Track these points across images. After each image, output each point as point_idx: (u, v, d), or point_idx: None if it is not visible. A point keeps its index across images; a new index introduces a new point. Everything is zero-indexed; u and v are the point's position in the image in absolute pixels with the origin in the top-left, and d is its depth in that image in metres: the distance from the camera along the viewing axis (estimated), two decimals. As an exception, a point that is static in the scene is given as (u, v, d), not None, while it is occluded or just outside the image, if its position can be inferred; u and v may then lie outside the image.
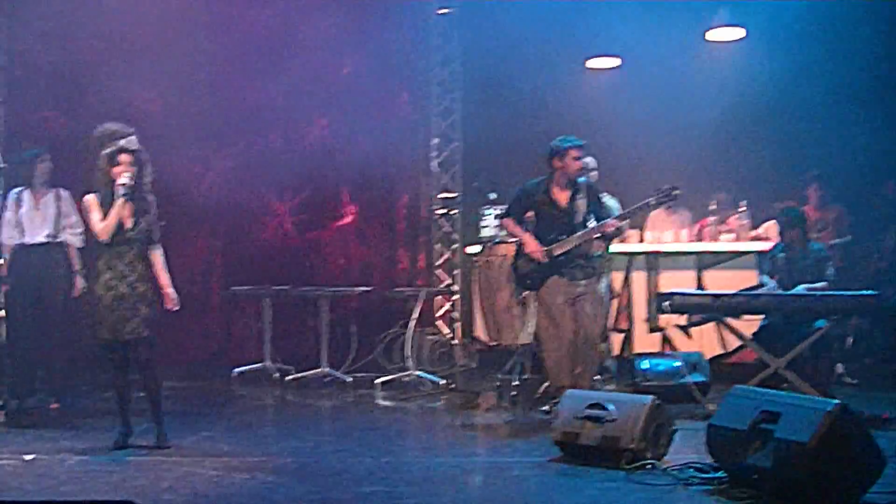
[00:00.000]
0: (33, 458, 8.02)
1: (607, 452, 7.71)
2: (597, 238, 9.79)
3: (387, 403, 11.22)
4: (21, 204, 10.35)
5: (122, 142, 8.40)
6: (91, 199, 8.44)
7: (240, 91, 14.68)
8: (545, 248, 9.69)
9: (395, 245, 14.78)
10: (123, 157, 8.37)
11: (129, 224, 8.38)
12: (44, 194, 10.41)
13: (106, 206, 8.35)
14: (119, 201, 8.29)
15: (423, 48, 14.86)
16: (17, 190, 10.42)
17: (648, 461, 7.59)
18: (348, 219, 14.78)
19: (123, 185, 8.29)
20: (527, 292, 10.32)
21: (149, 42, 14.20)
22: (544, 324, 9.79)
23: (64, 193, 10.50)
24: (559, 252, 9.66)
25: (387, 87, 14.63)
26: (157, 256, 8.60)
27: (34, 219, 10.32)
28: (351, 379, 12.39)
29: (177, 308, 8.63)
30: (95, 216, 8.38)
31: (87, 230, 10.39)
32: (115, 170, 8.35)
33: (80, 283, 10.40)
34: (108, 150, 8.39)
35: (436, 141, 14.76)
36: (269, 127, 14.67)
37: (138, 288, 8.38)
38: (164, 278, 8.61)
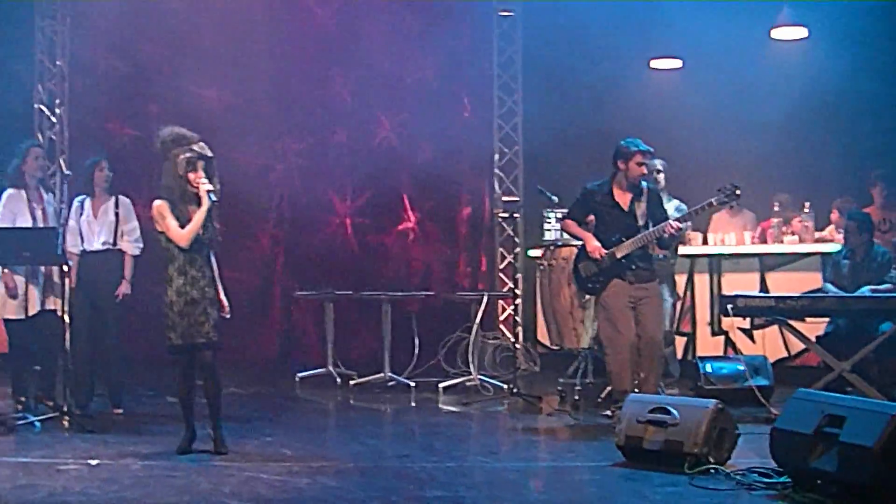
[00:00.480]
0: (97, 464, 8.07)
1: (670, 457, 7.67)
2: (658, 240, 9.74)
3: (449, 408, 11.21)
4: (82, 211, 10.42)
5: (197, 147, 8.38)
6: (163, 206, 8.38)
7: (303, 93, 14.80)
8: (606, 252, 9.65)
9: (456, 249, 14.79)
10: (200, 163, 8.41)
11: (201, 230, 8.39)
12: (104, 202, 10.45)
13: (176, 212, 8.35)
14: (204, 209, 8.29)
15: (486, 50, 14.88)
16: (80, 198, 10.49)
17: (711, 465, 7.54)
18: (410, 222, 14.80)
19: (211, 191, 8.30)
20: (589, 296, 10.30)
21: (212, 45, 14.36)
22: (606, 328, 9.76)
23: (124, 200, 10.54)
24: (620, 255, 9.62)
25: (449, 90, 14.67)
26: (214, 263, 8.65)
27: (93, 226, 10.38)
28: (413, 383, 12.40)
29: (228, 316, 8.68)
30: (172, 222, 8.33)
31: (145, 236, 10.55)
32: (193, 176, 8.35)
33: (125, 288, 10.42)
34: (186, 156, 8.32)
35: (498, 144, 14.77)
36: (332, 130, 14.72)
37: (209, 292, 8.40)
38: (219, 285, 8.65)
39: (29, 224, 10.29)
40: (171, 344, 8.37)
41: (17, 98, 14.27)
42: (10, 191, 10.42)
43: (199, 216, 8.29)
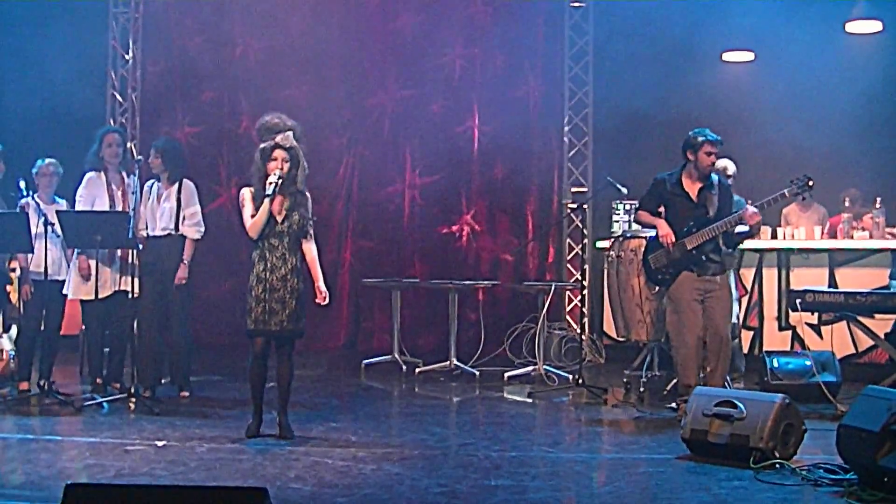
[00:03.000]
0: (164, 445, 8.16)
1: (736, 451, 7.62)
2: (723, 234, 9.66)
3: (514, 397, 11.20)
4: (150, 196, 10.50)
5: (279, 137, 8.43)
6: (246, 194, 8.49)
7: (371, 85, 14.81)
8: (677, 241, 9.57)
9: (524, 239, 14.74)
10: (278, 153, 8.42)
11: (280, 218, 8.43)
12: (169, 186, 10.53)
13: (258, 201, 8.41)
14: (268, 201, 8.34)
15: (557, 42, 14.82)
16: (150, 182, 10.59)
17: (777, 461, 7.49)
18: (479, 213, 14.78)
19: (271, 183, 8.33)
20: (657, 287, 10.24)
21: (285, 34, 14.44)
22: (673, 320, 9.70)
23: (188, 185, 10.59)
24: (691, 246, 9.53)
25: (520, 82, 14.63)
26: (310, 251, 8.62)
27: (155, 211, 10.45)
28: (478, 372, 12.41)
29: (326, 303, 8.69)
30: (247, 211, 8.43)
31: (209, 221, 10.64)
32: (269, 165, 8.42)
33: (182, 272, 10.47)
34: (264, 146, 8.44)
35: (568, 135, 14.71)
36: (401, 121, 14.74)
37: (289, 282, 8.41)
38: (316, 273, 8.62)
39: (107, 207, 10.40)
40: (246, 328, 8.45)
41: (90, 84, 14.41)
42: (90, 174, 10.59)
43: (263, 208, 8.34)
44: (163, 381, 10.72)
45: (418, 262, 14.58)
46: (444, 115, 14.69)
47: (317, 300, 8.58)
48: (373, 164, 14.76)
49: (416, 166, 14.75)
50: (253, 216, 8.39)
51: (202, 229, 10.56)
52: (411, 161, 14.77)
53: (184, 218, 10.47)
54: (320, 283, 8.60)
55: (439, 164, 14.54)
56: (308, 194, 8.64)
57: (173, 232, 10.42)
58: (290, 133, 8.46)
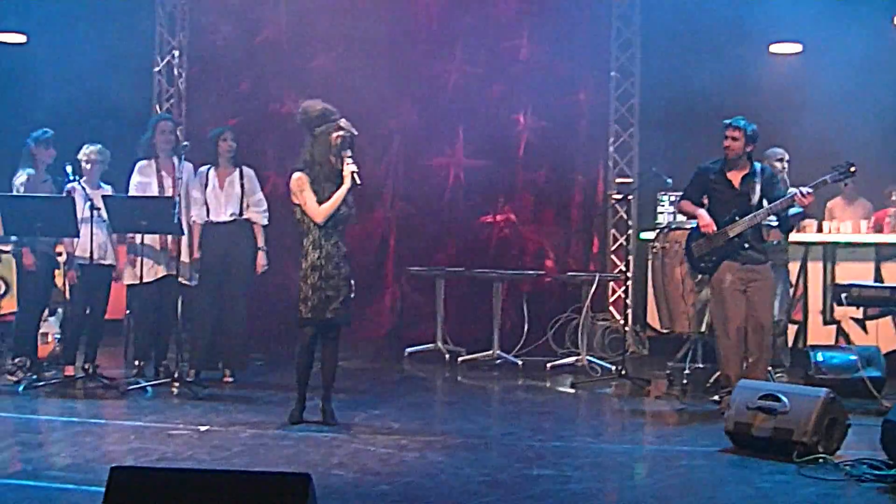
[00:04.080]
0: (207, 430, 8.21)
1: (779, 445, 7.59)
2: (778, 219, 9.60)
3: (557, 388, 11.19)
4: (206, 182, 10.55)
5: (344, 124, 8.41)
6: (303, 179, 8.44)
7: (418, 72, 14.79)
8: (718, 230, 9.50)
9: (569, 230, 14.71)
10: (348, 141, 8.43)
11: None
12: (229, 173, 10.59)
13: (315, 186, 8.39)
14: (345, 188, 8.35)
15: (603, 32, 14.75)
16: (203, 168, 10.64)
17: (820, 455, 7.45)
18: (524, 203, 14.75)
19: (356, 173, 8.35)
20: (700, 276, 10.19)
21: (331, 21, 14.44)
22: (716, 310, 9.65)
23: (248, 172, 10.66)
24: (733, 234, 9.46)
25: (566, 71, 14.56)
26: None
27: (219, 197, 10.51)
28: (521, 362, 12.42)
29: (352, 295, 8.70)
30: (311, 196, 8.39)
31: (271, 207, 10.70)
32: (345, 155, 8.38)
33: (262, 259, 10.58)
34: (340, 134, 8.37)
35: (613, 126, 14.66)
36: (446, 109, 14.71)
37: (343, 269, 8.45)
38: None
39: (156, 194, 10.46)
40: (301, 316, 8.44)
41: (137, 70, 14.48)
42: (141, 162, 10.67)
43: (339, 195, 8.35)
44: (219, 364, 10.76)
45: (463, 252, 14.53)
46: (489, 104, 14.63)
47: None
48: (417, 151, 14.72)
49: (461, 156, 14.72)
50: (320, 203, 8.37)
51: (268, 215, 10.64)
52: (457, 151, 14.73)
53: (248, 205, 10.56)
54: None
55: (485, 153, 14.51)
56: None
57: (239, 217, 10.49)
58: (346, 120, 8.46)
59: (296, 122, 8.57)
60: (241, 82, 14.94)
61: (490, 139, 14.38)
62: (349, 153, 8.38)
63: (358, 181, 8.34)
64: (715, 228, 9.49)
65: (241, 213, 10.53)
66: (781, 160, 11.06)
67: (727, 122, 9.55)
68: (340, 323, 8.53)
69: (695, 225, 9.79)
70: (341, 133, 8.36)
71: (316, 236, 8.41)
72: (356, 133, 8.46)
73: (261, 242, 10.62)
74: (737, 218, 9.46)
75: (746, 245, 9.47)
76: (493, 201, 14.75)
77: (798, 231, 11.66)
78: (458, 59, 14.77)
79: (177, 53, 15.07)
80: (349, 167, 8.34)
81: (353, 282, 8.57)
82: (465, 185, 14.72)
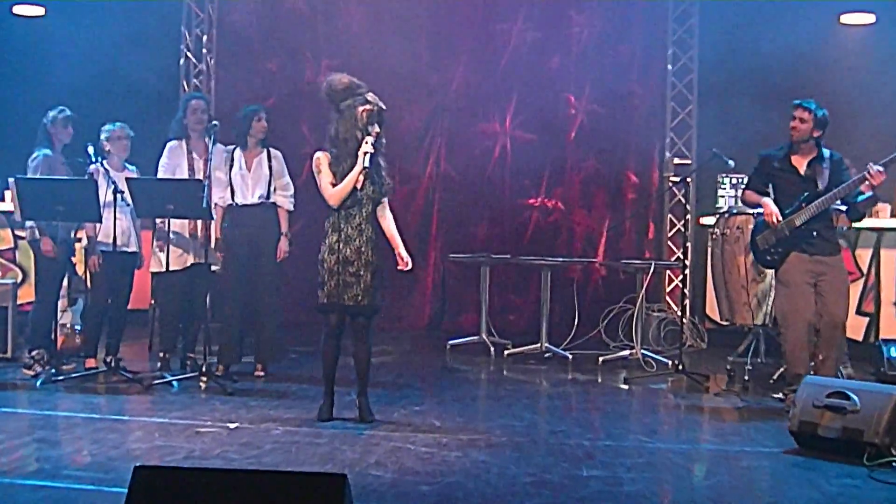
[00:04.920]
0: (237, 427, 8.24)
1: (848, 446, 7.55)
2: (845, 206, 9.53)
3: (609, 383, 11.17)
4: (232, 163, 10.57)
5: (371, 98, 8.41)
6: (322, 158, 8.47)
7: (464, 53, 14.78)
8: (784, 218, 9.44)
9: (623, 214, 14.67)
10: (374, 117, 8.40)
11: (359, 185, 8.38)
12: (257, 154, 10.61)
13: (336, 167, 8.40)
14: (357, 171, 8.31)
15: (660, 4, 14.66)
16: (228, 148, 10.66)
17: (893, 458, 7.41)
18: (574, 185, 14.73)
19: (366, 153, 8.32)
20: (766, 269, 10.14)
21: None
22: (783, 303, 9.59)
23: (276, 153, 10.69)
24: (799, 222, 9.40)
25: (620, 46, 14.53)
26: (386, 216, 8.65)
27: (246, 179, 10.53)
28: (571, 356, 12.40)
29: (409, 268, 8.66)
30: (326, 178, 8.42)
31: (297, 191, 10.73)
32: (373, 130, 8.35)
33: (284, 245, 10.60)
34: (367, 108, 8.37)
35: (670, 103, 14.60)
36: (492, 86, 14.70)
37: (365, 253, 8.41)
38: (395, 238, 8.64)
39: (185, 176, 10.50)
40: (317, 302, 8.49)
41: (162, 45, 14.48)
42: (171, 143, 10.73)
43: (350, 178, 8.32)
44: (243, 359, 10.81)
45: (509, 237, 14.52)
46: (540, 78, 14.60)
47: (399, 267, 8.59)
48: (461, 132, 14.69)
49: (507, 137, 14.68)
50: (333, 184, 8.40)
51: (294, 200, 10.68)
52: (503, 131, 14.70)
53: (275, 188, 10.59)
54: (401, 249, 8.62)
55: (532, 131, 14.49)
56: (382, 159, 8.63)
57: (266, 200, 10.54)
58: (373, 94, 8.46)
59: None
60: (271, 58, 14.94)
61: (541, 112, 14.38)
62: (377, 129, 8.36)
63: (366, 164, 8.31)
64: (780, 218, 9.43)
65: (268, 197, 10.56)
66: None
67: (797, 102, 9.49)
68: (364, 312, 8.49)
69: (759, 214, 9.73)
70: (367, 107, 8.35)
71: (335, 218, 8.43)
72: (384, 107, 8.44)
73: (284, 228, 10.65)
74: (803, 205, 9.40)
75: (815, 234, 9.41)
76: (540, 180, 14.71)
77: (870, 216, 11.58)
78: (520, 21, 14.74)
79: (206, 27, 15.08)
80: (365, 146, 8.32)
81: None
82: (511, 158, 14.67)
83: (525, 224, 14.71)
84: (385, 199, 8.63)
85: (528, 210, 14.73)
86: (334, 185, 8.38)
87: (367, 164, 8.30)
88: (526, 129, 14.60)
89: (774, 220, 9.42)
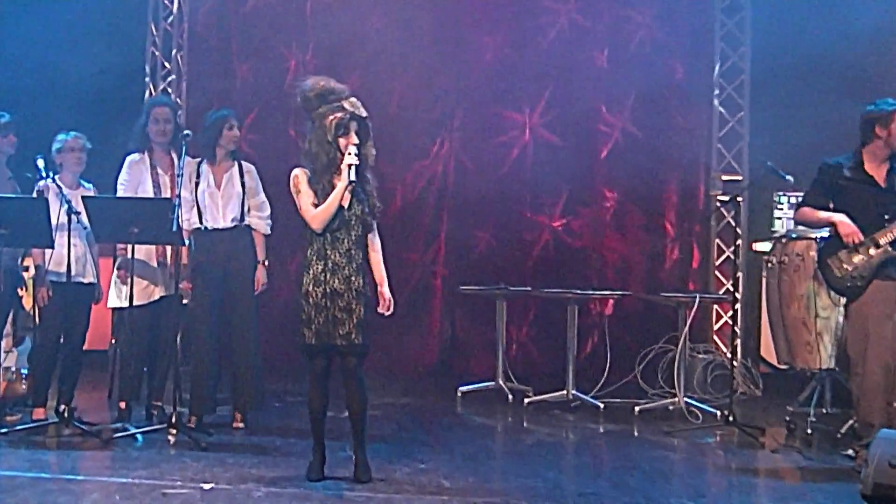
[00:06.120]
0: (211, 488, 8.19)
1: (932, 512, 7.48)
2: None
3: (646, 436, 11.12)
4: (198, 180, 10.46)
5: (348, 105, 8.34)
6: (300, 176, 8.42)
7: (477, 60, 14.80)
8: (865, 238, 9.32)
9: (662, 239, 14.66)
10: (351, 125, 8.34)
11: (345, 202, 8.33)
12: (227, 168, 10.52)
13: (316, 185, 8.34)
14: (342, 186, 8.26)
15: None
16: (196, 160, 10.53)
17: (985, 526, 7.33)
18: (605, 205, 14.70)
19: (350, 165, 8.25)
20: (843, 300, 10.03)
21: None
22: (856, 342, 9.46)
23: (249, 167, 10.61)
24: (884, 241, 9.27)
25: (662, 44, 14.48)
26: (374, 246, 8.59)
27: (216, 198, 10.44)
28: (602, 404, 12.35)
29: (389, 313, 8.59)
30: (306, 198, 8.35)
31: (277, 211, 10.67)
32: (344, 142, 8.29)
33: (262, 275, 10.53)
34: (336, 116, 8.31)
35: (718, 108, 14.58)
36: (540, 55, 14.69)
37: (354, 283, 8.34)
38: (380, 274, 8.57)
39: (150, 195, 10.42)
40: (303, 343, 8.39)
41: (126, 40, 14.47)
42: (132, 156, 10.63)
43: (335, 195, 8.27)
44: (218, 408, 10.75)
45: (529, 266, 14.49)
46: (568, 83, 14.56)
47: (379, 309, 8.52)
48: (472, 144, 14.69)
49: (526, 147, 14.68)
50: (315, 205, 8.32)
51: (271, 222, 10.60)
52: (520, 136, 14.68)
53: (249, 209, 10.50)
54: (384, 288, 8.55)
55: (556, 138, 14.46)
56: (372, 176, 8.59)
57: (240, 223, 10.46)
58: (355, 99, 8.38)
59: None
60: (251, 56, 14.92)
61: (563, 127, 14.35)
62: (354, 139, 8.27)
63: (352, 177, 8.24)
64: (861, 237, 9.31)
65: (241, 219, 10.46)
66: None
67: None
68: (356, 353, 8.41)
69: (824, 235, 9.63)
70: (338, 115, 8.27)
71: (320, 244, 8.36)
72: (364, 114, 8.35)
73: (261, 255, 10.59)
74: (888, 222, 9.28)
75: (898, 261, 9.31)
76: (568, 206, 14.66)
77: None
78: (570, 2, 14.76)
79: (177, 20, 15.08)
80: (348, 158, 8.25)
81: (390, 301, 8.51)
82: (530, 190, 14.61)
83: (549, 250, 14.66)
84: (374, 224, 8.56)
85: (552, 234, 14.67)
86: (316, 206, 8.29)
87: (352, 177, 8.22)
88: (552, 131, 14.55)
89: (855, 241, 9.30)
